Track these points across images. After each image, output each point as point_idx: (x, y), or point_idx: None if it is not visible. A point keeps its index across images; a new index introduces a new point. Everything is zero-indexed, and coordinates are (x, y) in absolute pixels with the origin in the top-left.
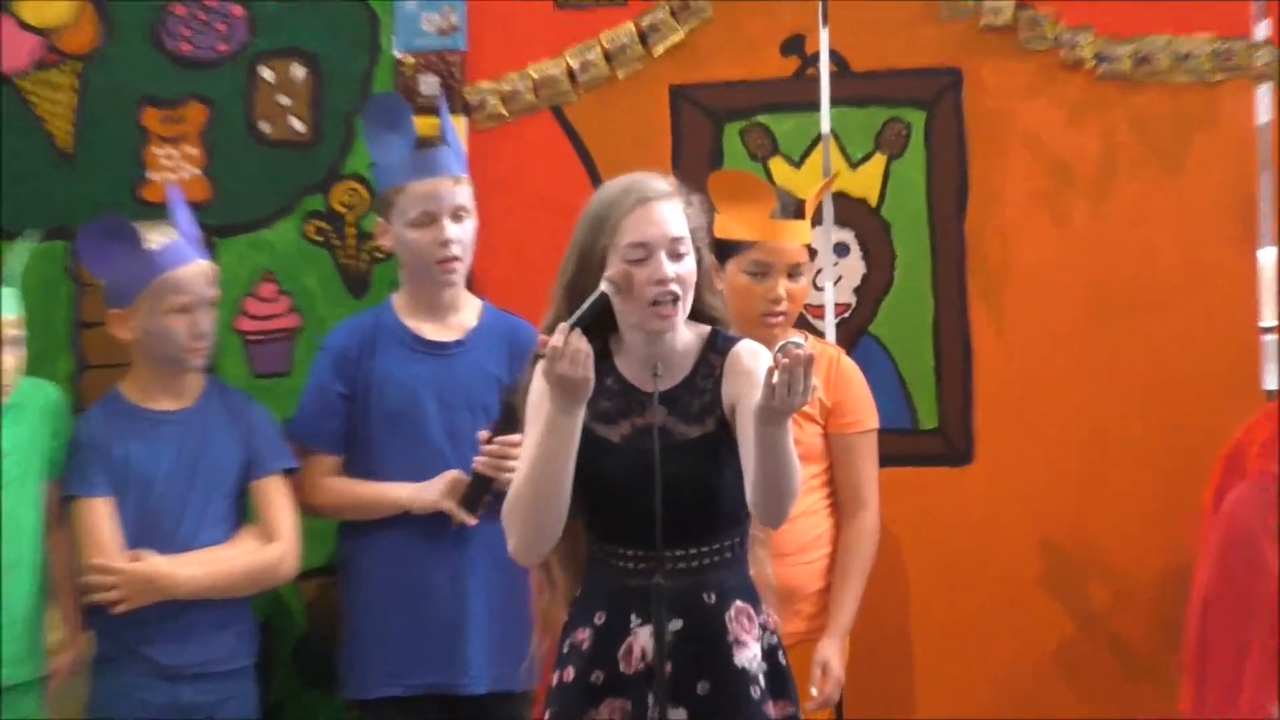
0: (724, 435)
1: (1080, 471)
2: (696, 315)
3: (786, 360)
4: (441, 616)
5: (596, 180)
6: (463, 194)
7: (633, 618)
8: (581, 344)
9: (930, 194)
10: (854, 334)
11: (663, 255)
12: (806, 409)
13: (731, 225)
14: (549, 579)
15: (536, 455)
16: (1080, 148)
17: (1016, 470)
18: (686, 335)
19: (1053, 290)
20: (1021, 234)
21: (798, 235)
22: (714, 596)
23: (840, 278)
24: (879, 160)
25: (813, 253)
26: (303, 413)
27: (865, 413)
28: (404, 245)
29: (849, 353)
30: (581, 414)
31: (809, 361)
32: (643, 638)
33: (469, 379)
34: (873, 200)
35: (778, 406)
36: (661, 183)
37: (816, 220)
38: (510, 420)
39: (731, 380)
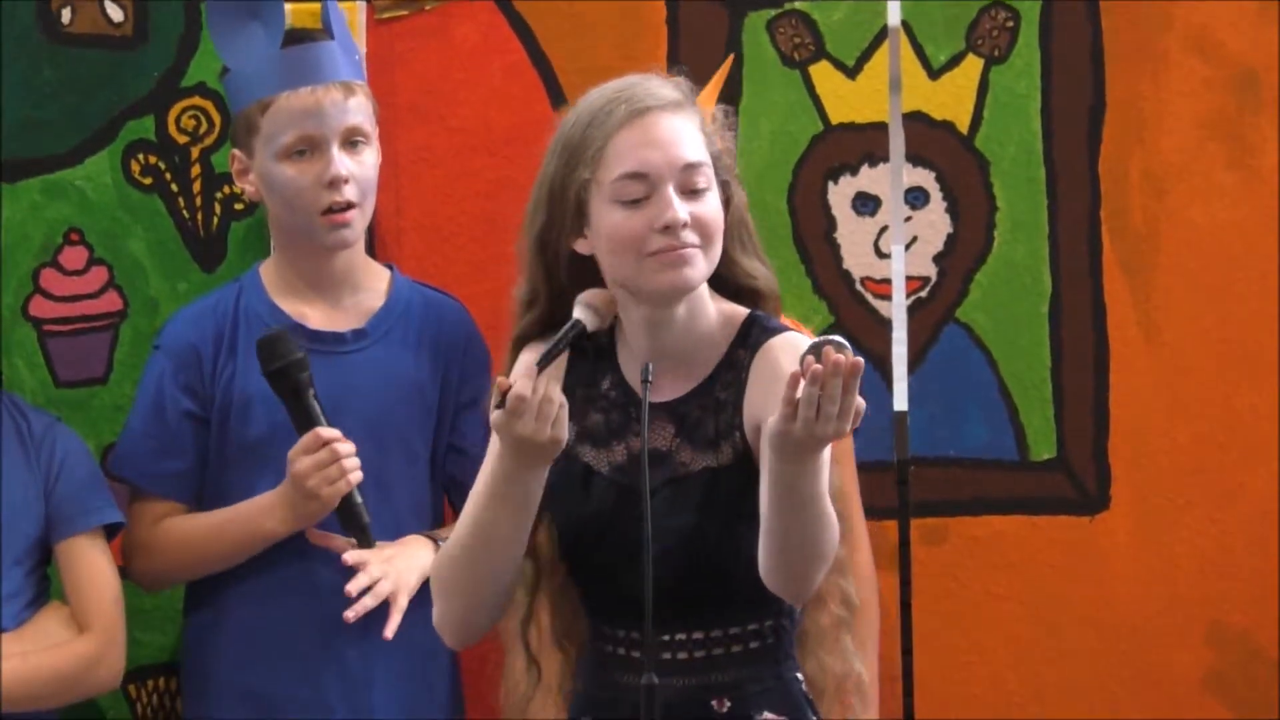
0: (745, 470)
1: (1264, 528)
2: (727, 288)
3: (820, 367)
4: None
5: (558, 97)
6: (358, 110)
7: None
8: (555, 392)
9: (1048, 118)
10: (934, 322)
11: (670, 190)
12: None
13: None
14: (529, 660)
15: (477, 517)
16: (1275, 51)
17: (1171, 523)
18: (710, 318)
19: (1230, 263)
20: (1185, 178)
21: None
22: (727, 704)
23: (914, 239)
24: (972, 66)
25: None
26: (132, 443)
27: None
28: (273, 188)
29: (925, 347)
30: (544, 477)
31: (854, 371)
32: None
33: (374, 386)
34: (962, 126)
35: (799, 435)
36: (667, 88)
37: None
38: (297, 405)
39: (758, 388)
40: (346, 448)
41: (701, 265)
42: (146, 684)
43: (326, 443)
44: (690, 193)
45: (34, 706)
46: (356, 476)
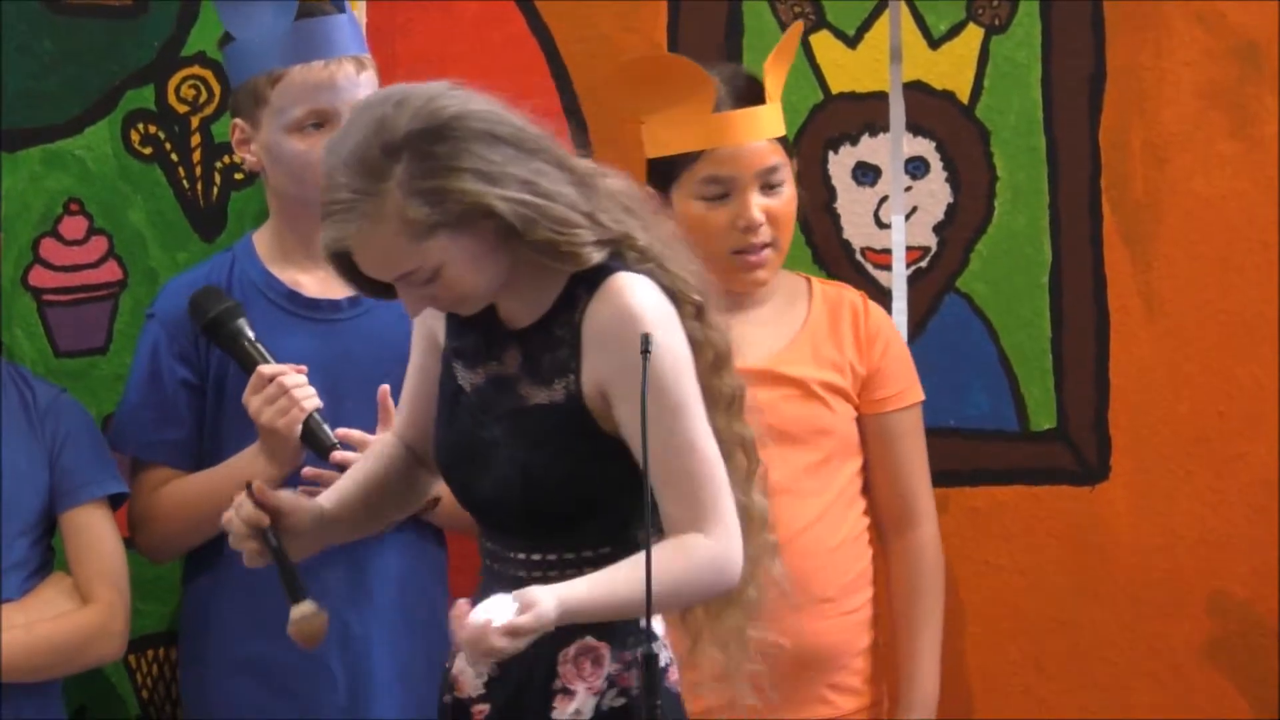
0: (578, 411)
1: (1265, 497)
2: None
3: (463, 637)
4: (333, 677)
5: (559, 67)
6: (368, 84)
7: None
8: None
9: (1048, 87)
10: (934, 291)
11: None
12: (836, 379)
13: (663, 136)
14: None
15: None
16: (1275, 21)
17: (1171, 493)
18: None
19: (1231, 233)
20: (1186, 148)
21: (763, 127)
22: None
23: (914, 209)
24: (972, 36)
25: (789, 148)
26: (130, 413)
27: (909, 379)
28: (280, 161)
29: (926, 317)
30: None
31: (482, 634)
32: (457, 662)
33: (371, 353)
34: (963, 96)
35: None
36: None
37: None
38: (237, 351)
39: (595, 357)
40: (293, 379)
41: (466, 308)
42: (146, 653)
43: (272, 378)
44: (420, 284)
45: (37, 677)
46: (312, 403)
